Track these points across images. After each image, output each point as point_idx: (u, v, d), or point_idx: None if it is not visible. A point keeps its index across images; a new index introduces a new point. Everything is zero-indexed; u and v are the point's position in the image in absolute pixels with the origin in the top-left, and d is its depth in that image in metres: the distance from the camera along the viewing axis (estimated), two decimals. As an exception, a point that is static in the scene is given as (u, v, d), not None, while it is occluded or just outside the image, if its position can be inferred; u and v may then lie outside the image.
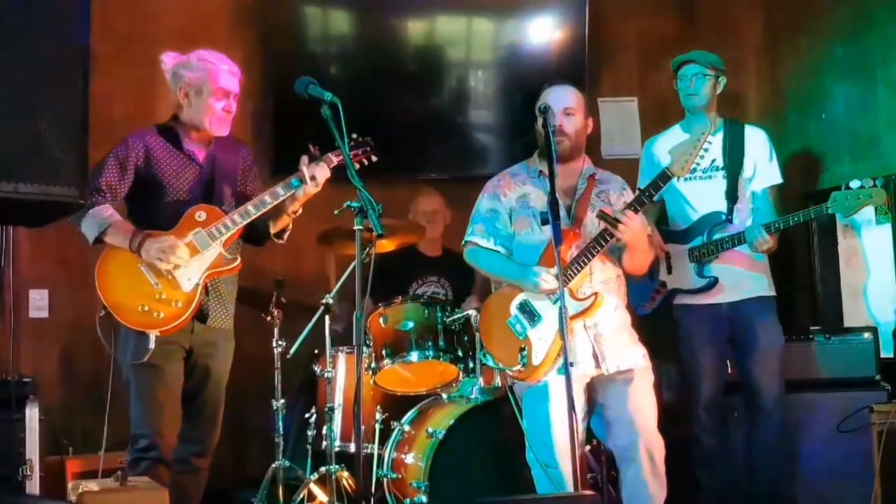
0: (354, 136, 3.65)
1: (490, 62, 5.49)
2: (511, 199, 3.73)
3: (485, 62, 5.49)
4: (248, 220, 3.56)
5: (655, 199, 3.68)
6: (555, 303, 3.49)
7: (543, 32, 5.48)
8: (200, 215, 3.55)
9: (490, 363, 3.81)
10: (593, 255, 3.49)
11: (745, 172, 4.17)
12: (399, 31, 5.36)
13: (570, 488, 3.47)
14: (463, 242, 3.83)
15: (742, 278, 4.12)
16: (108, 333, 3.44)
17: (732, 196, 4.14)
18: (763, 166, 4.18)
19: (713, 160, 4.18)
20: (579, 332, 3.54)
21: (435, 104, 5.42)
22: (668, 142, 4.30)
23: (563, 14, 5.46)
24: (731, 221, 4.12)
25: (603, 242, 3.48)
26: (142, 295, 3.44)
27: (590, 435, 3.80)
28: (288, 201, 3.63)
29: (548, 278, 3.47)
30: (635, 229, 3.45)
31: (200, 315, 3.60)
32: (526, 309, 3.59)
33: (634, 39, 5.62)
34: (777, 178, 4.21)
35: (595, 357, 3.56)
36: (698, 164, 4.16)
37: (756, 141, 4.20)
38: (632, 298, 4.38)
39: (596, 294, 3.50)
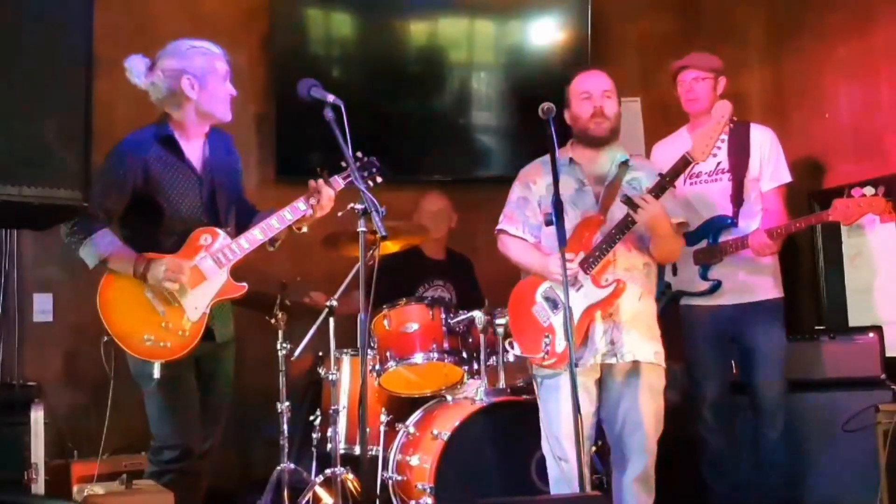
0: (359, 154, 3.57)
1: (492, 64, 5.49)
2: (541, 186, 3.70)
3: (487, 64, 5.49)
4: (255, 245, 3.49)
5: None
6: (578, 290, 3.49)
7: (546, 34, 5.48)
8: (206, 239, 3.45)
9: (509, 348, 3.85)
10: (615, 242, 3.49)
11: (752, 173, 4.15)
12: (401, 33, 5.36)
13: (576, 484, 3.47)
14: (495, 231, 3.81)
15: (746, 281, 4.12)
16: (110, 359, 3.40)
17: (738, 199, 4.13)
18: (770, 166, 4.17)
19: (718, 162, 4.17)
20: (598, 317, 3.53)
21: (437, 106, 5.42)
22: (676, 144, 4.30)
23: (566, 15, 5.46)
24: (735, 225, 4.11)
25: (625, 229, 3.47)
26: (147, 324, 3.33)
27: (598, 435, 3.77)
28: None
29: (569, 267, 3.42)
30: (654, 213, 3.43)
31: (211, 335, 3.53)
32: (549, 296, 3.59)
33: (637, 40, 5.62)
34: (785, 178, 4.19)
35: (612, 343, 3.53)
36: (699, 169, 4.18)
37: (762, 140, 4.19)
38: None
39: (618, 281, 3.49)
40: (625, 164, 3.68)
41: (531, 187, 3.72)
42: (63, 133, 2.25)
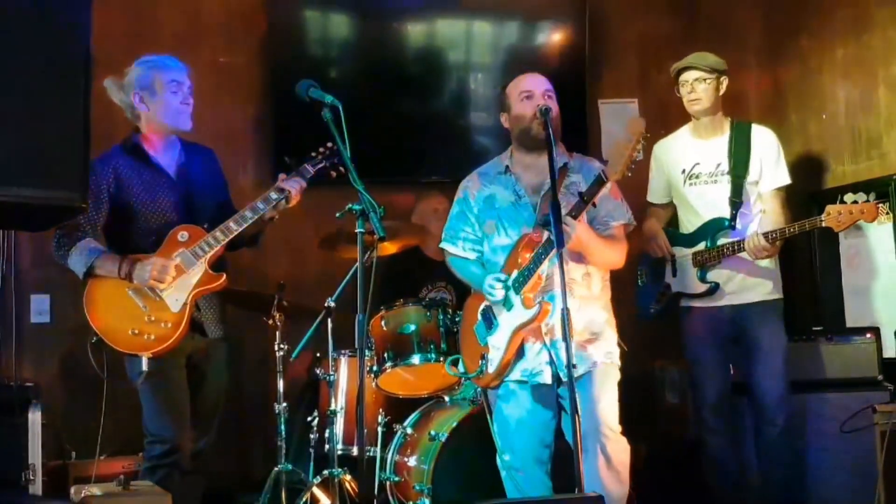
0: (330, 144, 3.66)
1: (490, 64, 5.48)
2: (478, 199, 3.64)
3: (485, 64, 5.48)
4: (230, 236, 3.58)
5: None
6: (508, 311, 3.43)
7: (543, 35, 5.48)
8: (183, 235, 3.56)
9: (449, 370, 3.78)
10: (541, 261, 3.34)
11: (751, 175, 4.14)
12: (399, 34, 5.36)
13: (539, 492, 3.45)
14: (440, 247, 3.80)
15: (745, 283, 4.11)
16: (100, 359, 3.47)
17: (736, 202, 4.13)
18: (770, 167, 4.16)
19: (718, 164, 4.17)
20: (531, 338, 3.44)
21: (435, 107, 5.41)
22: (676, 144, 4.30)
23: (564, 16, 5.46)
24: (734, 228, 4.11)
25: (549, 250, 3.30)
26: (131, 319, 3.47)
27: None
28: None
29: (497, 287, 3.42)
30: (576, 237, 3.30)
31: (201, 330, 3.65)
32: (487, 316, 3.55)
33: (635, 41, 5.62)
34: (784, 179, 4.18)
35: (553, 364, 3.40)
36: (699, 170, 4.17)
37: (763, 142, 4.18)
38: (639, 300, 4.39)
39: (542, 303, 3.35)
40: (564, 169, 3.56)
41: (469, 201, 3.67)
42: (61, 134, 2.24)
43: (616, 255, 3.55)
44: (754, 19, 5.56)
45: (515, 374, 3.49)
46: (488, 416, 3.67)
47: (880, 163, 4.57)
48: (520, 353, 3.47)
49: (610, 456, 3.40)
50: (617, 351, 3.56)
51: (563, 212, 3.29)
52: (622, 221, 3.59)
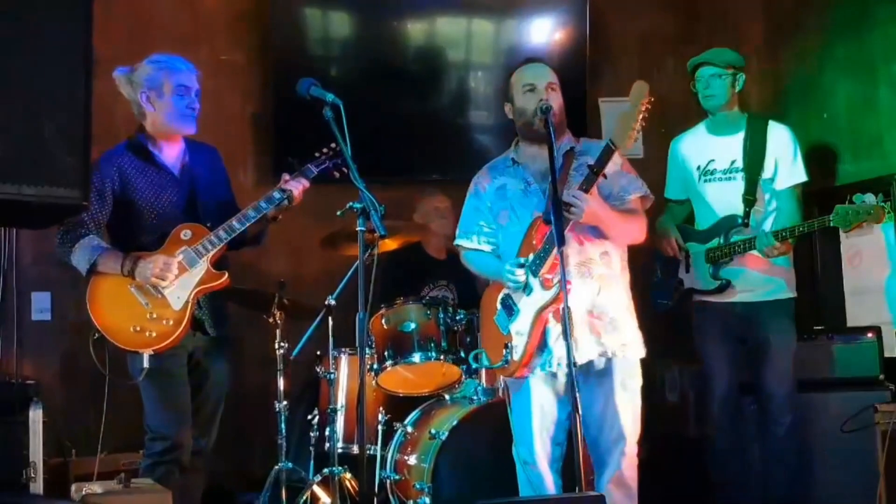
0: (333, 145, 3.66)
1: (490, 63, 5.48)
2: (490, 192, 3.62)
3: (485, 63, 5.49)
4: (233, 235, 3.59)
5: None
6: (528, 295, 3.40)
7: (544, 33, 5.47)
8: (186, 234, 3.57)
9: (473, 363, 3.78)
10: (553, 245, 3.24)
11: (766, 172, 4.12)
12: (399, 32, 5.36)
13: (549, 489, 3.45)
14: (454, 245, 3.79)
15: (757, 281, 4.10)
16: (101, 356, 3.47)
17: (750, 199, 4.12)
18: (785, 164, 4.13)
19: (733, 161, 4.16)
20: (551, 320, 3.37)
21: (435, 105, 5.42)
22: (693, 140, 4.30)
23: (564, 14, 5.46)
24: (747, 225, 4.10)
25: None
26: (133, 316, 3.47)
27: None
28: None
29: (517, 271, 3.38)
30: (590, 209, 3.26)
31: (202, 328, 3.66)
32: (507, 304, 3.51)
33: (635, 39, 5.62)
34: (801, 177, 4.16)
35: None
36: (714, 166, 4.17)
37: (779, 138, 4.16)
38: (654, 295, 4.39)
39: (560, 283, 3.24)
40: (570, 153, 3.51)
41: (481, 195, 3.65)
42: (62, 132, 2.25)
43: (635, 228, 3.48)
44: (755, 17, 5.56)
45: (544, 367, 3.43)
46: (508, 409, 3.60)
47: (881, 162, 4.57)
48: (543, 343, 3.41)
49: (624, 472, 3.41)
50: (635, 340, 3.48)
51: (575, 188, 3.29)
52: (639, 193, 3.52)
